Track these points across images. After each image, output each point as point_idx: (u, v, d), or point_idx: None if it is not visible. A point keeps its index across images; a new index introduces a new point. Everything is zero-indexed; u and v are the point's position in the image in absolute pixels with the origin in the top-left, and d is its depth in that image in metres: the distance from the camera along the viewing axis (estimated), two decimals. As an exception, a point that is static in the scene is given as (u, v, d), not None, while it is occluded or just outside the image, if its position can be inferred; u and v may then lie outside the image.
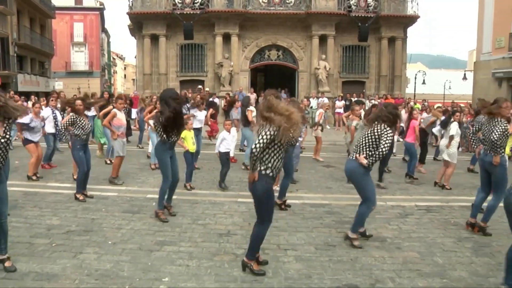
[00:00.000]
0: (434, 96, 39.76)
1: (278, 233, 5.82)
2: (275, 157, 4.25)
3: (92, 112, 10.94)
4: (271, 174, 4.25)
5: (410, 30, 27.97)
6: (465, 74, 38.36)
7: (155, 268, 4.58)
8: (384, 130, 5.25)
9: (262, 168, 4.23)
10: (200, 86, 23.24)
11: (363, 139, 5.36)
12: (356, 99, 19.86)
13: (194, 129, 10.18)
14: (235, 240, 5.54)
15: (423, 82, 39.23)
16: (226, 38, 24.25)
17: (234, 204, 7.28)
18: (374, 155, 5.22)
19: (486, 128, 6.16)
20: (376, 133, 5.27)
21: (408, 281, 4.46)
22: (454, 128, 8.87)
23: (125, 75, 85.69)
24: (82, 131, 7.22)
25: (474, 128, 6.74)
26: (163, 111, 6.07)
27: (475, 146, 6.91)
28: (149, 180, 8.98)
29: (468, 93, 30.05)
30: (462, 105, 19.98)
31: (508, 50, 22.58)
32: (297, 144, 8.35)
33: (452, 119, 9.13)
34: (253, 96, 22.27)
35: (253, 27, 24.69)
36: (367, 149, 5.28)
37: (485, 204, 6.23)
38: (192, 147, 8.23)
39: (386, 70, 25.47)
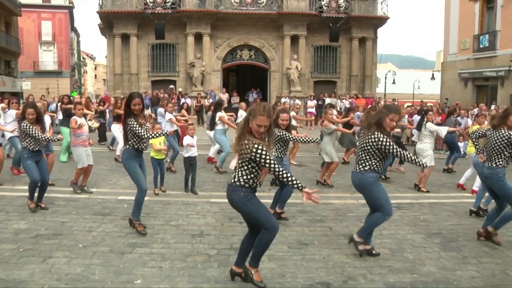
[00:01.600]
0: (404, 95, 40.50)
1: (251, 233, 5.83)
2: (254, 171, 3.99)
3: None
4: (247, 185, 3.98)
5: (380, 31, 28.55)
6: (433, 74, 39.37)
7: (127, 271, 4.52)
8: (380, 140, 4.76)
9: (236, 180, 3.98)
10: (171, 86, 23.09)
11: (363, 150, 4.94)
12: (329, 102, 20.05)
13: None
14: (208, 240, 5.52)
15: (393, 82, 40.03)
16: (198, 38, 24.14)
17: (207, 204, 7.25)
18: (381, 161, 4.90)
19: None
20: (374, 144, 4.81)
21: (380, 277, 4.54)
22: (433, 126, 8.89)
23: (95, 75, 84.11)
24: (31, 143, 6.55)
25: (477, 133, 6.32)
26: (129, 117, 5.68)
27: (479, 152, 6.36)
28: (120, 181, 8.85)
29: (436, 92, 30.80)
30: (430, 104, 20.43)
31: (472, 51, 23.28)
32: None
33: (425, 120, 9.10)
34: (225, 96, 22.32)
35: (225, 27, 24.67)
36: (365, 157, 4.92)
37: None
38: (155, 154, 7.98)
39: (357, 70, 25.86)
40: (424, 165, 5.13)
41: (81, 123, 7.73)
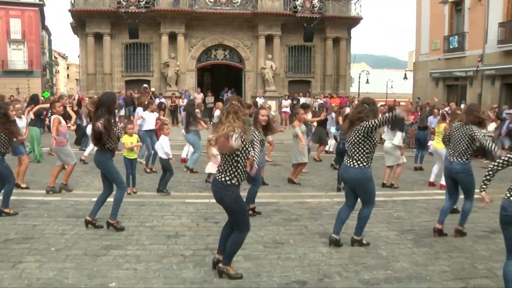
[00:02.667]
0: (377, 95, 41.05)
1: (227, 233, 5.83)
2: (240, 166, 4.14)
3: None
4: (236, 183, 4.16)
5: (354, 31, 28.89)
6: (405, 74, 40.08)
7: (102, 273, 4.45)
8: (367, 125, 4.95)
9: (227, 179, 4.13)
10: (145, 85, 22.80)
11: (352, 144, 5.11)
12: (303, 102, 20.17)
13: (146, 131, 9.95)
14: (184, 241, 5.49)
15: (367, 82, 40.62)
16: (172, 37, 23.94)
17: (182, 205, 7.21)
18: (370, 153, 5.09)
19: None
20: (360, 132, 5.00)
21: (354, 274, 4.60)
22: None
23: (68, 75, 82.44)
24: None
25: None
26: (101, 118, 5.61)
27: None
28: (93, 183, 8.70)
29: (409, 92, 31.36)
30: (403, 103, 20.78)
31: (443, 52, 23.82)
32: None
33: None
34: (200, 96, 22.21)
35: (200, 26, 24.53)
36: (360, 151, 5.07)
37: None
38: (127, 153, 7.86)
39: (331, 70, 26.10)
40: None
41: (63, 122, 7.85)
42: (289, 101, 22.80)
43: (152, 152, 9.78)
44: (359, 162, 5.08)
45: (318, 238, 5.69)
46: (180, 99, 21.72)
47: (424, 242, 5.68)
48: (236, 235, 4.31)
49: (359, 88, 38.12)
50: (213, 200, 7.34)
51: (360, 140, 5.03)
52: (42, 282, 4.22)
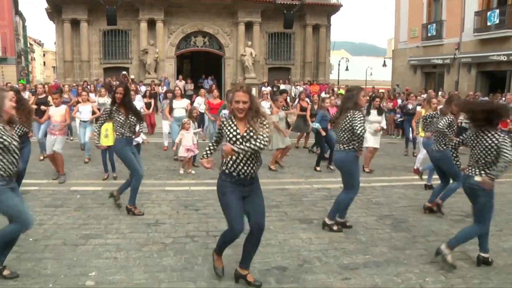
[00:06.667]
0: (357, 82, 41.28)
1: (207, 220, 5.85)
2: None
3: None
4: (227, 171, 3.88)
5: (333, 18, 28.90)
6: (384, 61, 40.36)
7: (81, 263, 4.42)
8: (354, 115, 5.23)
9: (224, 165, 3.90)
10: (124, 72, 22.45)
11: (341, 130, 5.36)
12: (281, 88, 20.17)
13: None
14: (164, 229, 5.48)
15: (346, 69, 40.79)
16: (151, 24, 23.61)
17: (162, 193, 7.18)
18: (354, 140, 5.28)
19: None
20: (347, 120, 5.27)
21: (334, 260, 4.67)
22: (373, 115, 9.30)
23: (44, 62, 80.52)
24: None
25: None
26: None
27: None
28: (72, 172, 8.60)
29: (388, 79, 31.68)
30: (382, 90, 20.99)
31: (421, 39, 24.08)
32: None
33: (372, 105, 9.45)
34: (181, 84, 22.01)
35: (179, 13, 24.23)
36: (346, 137, 5.31)
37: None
38: (104, 140, 7.70)
39: (311, 57, 26.15)
40: None
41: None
42: (269, 88, 22.79)
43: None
44: (345, 146, 5.34)
45: (298, 224, 5.75)
46: (160, 87, 21.51)
47: (402, 227, 5.79)
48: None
49: (338, 75, 38.28)
50: (194, 188, 7.41)
51: (347, 127, 5.28)
52: (20, 274, 4.16)
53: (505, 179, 8.85)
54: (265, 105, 10.46)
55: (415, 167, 9.10)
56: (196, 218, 5.90)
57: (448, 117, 6.17)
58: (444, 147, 6.11)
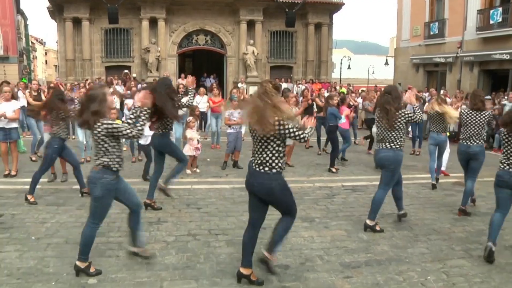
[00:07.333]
0: (359, 80, 41.26)
1: (209, 219, 5.85)
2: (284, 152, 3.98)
3: None
4: (280, 170, 3.91)
5: (336, 16, 28.83)
6: (387, 60, 40.32)
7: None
8: (406, 112, 5.49)
9: (278, 164, 3.84)
10: (126, 71, 22.47)
11: (386, 129, 5.49)
12: (285, 87, 20.13)
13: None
14: (166, 227, 5.49)
15: (348, 67, 40.73)
16: (153, 22, 23.61)
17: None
18: (402, 138, 5.52)
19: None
20: (403, 118, 5.46)
21: (336, 258, 4.68)
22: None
23: (46, 61, 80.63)
24: None
25: None
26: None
27: None
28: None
29: (390, 77, 31.61)
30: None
31: (423, 38, 24.00)
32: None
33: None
34: (184, 82, 21.98)
35: (180, 11, 24.23)
36: (394, 135, 5.45)
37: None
38: None
39: (313, 55, 26.12)
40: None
41: None
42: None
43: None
44: (392, 145, 5.43)
45: (300, 223, 5.74)
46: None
47: (403, 225, 5.79)
48: (287, 220, 4.18)
49: (340, 73, 38.25)
50: (196, 186, 7.42)
51: (400, 127, 5.39)
52: (22, 272, 4.18)
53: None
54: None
55: (443, 168, 8.80)
56: (198, 217, 5.92)
57: (488, 112, 6.37)
58: (483, 142, 6.37)
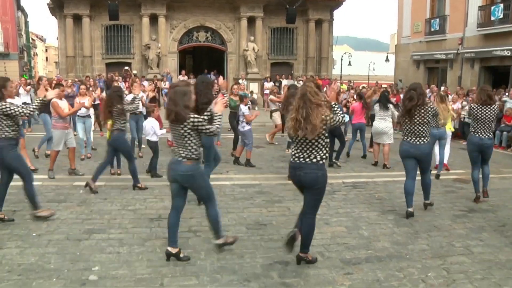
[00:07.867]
0: (359, 77, 41.30)
1: (210, 215, 5.85)
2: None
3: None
4: (324, 161, 4.30)
5: (336, 13, 28.73)
6: (387, 56, 40.33)
7: (84, 258, 4.44)
8: (433, 107, 5.96)
9: (322, 156, 4.16)
10: (127, 67, 22.46)
11: (418, 124, 5.86)
12: (286, 83, 20.09)
13: (132, 114, 9.63)
14: (166, 224, 5.47)
15: (349, 64, 40.73)
16: (153, 19, 23.57)
17: (165, 188, 7.12)
18: (429, 132, 6.00)
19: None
20: (428, 114, 5.88)
21: (336, 254, 4.68)
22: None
23: (46, 58, 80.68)
24: None
25: None
26: None
27: None
28: (76, 167, 8.59)
29: (391, 74, 31.59)
30: (385, 85, 20.94)
31: (424, 34, 23.94)
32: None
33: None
34: (184, 79, 21.96)
35: (181, 8, 24.18)
36: (425, 130, 5.85)
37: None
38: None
39: (314, 52, 26.07)
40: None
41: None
42: (272, 83, 22.75)
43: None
44: (425, 140, 5.86)
45: (301, 220, 5.75)
46: (162, 82, 21.50)
47: (404, 222, 5.79)
48: (311, 217, 4.38)
49: (341, 70, 38.25)
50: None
51: (428, 120, 5.83)
52: (23, 268, 4.18)
53: (508, 174, 8.85)
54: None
55: (445, 162, 8.90)
56: (199, 213, 5.91)
57: (496, 105, 6.84)
58: (492, 135, 6.86)
